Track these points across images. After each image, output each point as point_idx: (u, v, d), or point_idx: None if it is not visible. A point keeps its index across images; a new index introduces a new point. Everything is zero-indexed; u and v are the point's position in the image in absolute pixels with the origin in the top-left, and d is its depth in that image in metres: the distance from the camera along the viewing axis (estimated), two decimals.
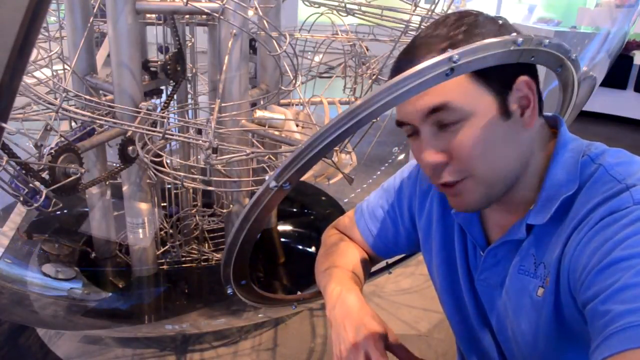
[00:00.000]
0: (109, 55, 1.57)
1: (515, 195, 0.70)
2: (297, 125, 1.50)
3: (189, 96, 1.90)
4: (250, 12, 1.44)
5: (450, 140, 0.65)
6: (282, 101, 1.89)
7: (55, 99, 1.47)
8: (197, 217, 1.96)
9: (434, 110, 0.64)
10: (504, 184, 0.68)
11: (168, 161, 1.56)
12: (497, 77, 0.64)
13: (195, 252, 1.93)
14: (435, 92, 0.62)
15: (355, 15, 1.67)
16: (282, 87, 1.68)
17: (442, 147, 0.66)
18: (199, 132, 1.70)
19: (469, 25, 0.66)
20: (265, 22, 1.47)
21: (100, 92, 1.64)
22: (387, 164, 2.99)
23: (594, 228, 0.60)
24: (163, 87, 1.74)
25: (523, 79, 0.66)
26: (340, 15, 1.81)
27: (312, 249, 2.14)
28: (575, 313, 0.64)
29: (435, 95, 0.63)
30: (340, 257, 0.91)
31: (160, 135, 1.26)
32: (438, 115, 0.64)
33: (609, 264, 0.56)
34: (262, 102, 1.72)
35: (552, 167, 0.69)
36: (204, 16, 1.60)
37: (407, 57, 0.68)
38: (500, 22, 0.68)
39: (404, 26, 1.44)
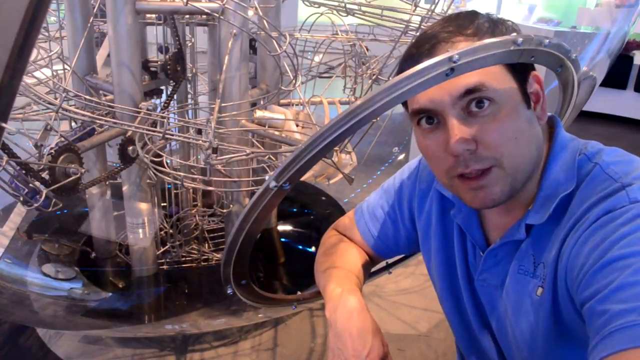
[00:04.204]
0: (109, 55, 1.57)
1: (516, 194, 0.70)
2: (297, 125, 1.50)
3: (189, 96, 1.90)
4: (250, 12, 1.44)
5: (480, 125, 0.64)
6: (282, 101, 1.89)
7: (55, 99, 1.46)
8: (197, 217, 1.96)
9: (468, 91, 0.63)
10: (525, 176, 0.67)
11: (168, 161, 1.56)
12: (519, 66, 0.65)
13: (195, 252, 1.93)
14: (470, 73, 0.61)
15: (355, 15, 1.67)
16: (282, 87, 1.67)
17: (470, 133, 0.64)
18: (199, 132, 1.69)
19: (489, 17, 0.68)
20: (265, 22, 1.47)
21: (100, 92, 1.64)
22: (387, 164, 2.99)
23: (590, 227, 0.61)
24: (163, 87, 1.73)
25: (534, 73, 0.68)
26: (340, 15, 1.81)
27: (312, 249, 2.14)
28: (573, 312, 0.64)
29: (470, 76, 0.62)
30: (340, 257, 0.91)
31: (160, 135, 1.26)
32: (471, 97, 0.64)
33: (606, 264, 0.56)
34: (262, 102, 1.72)
35: (550, 166, 0.69)
36: (204, 16, 1.60)
37: (423, 51, 0.68)
38: (510, 22, 0.70)
39: (404, 26, 1.44)
